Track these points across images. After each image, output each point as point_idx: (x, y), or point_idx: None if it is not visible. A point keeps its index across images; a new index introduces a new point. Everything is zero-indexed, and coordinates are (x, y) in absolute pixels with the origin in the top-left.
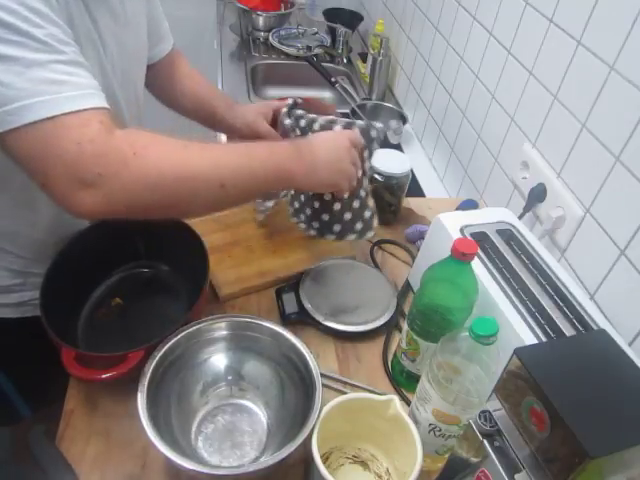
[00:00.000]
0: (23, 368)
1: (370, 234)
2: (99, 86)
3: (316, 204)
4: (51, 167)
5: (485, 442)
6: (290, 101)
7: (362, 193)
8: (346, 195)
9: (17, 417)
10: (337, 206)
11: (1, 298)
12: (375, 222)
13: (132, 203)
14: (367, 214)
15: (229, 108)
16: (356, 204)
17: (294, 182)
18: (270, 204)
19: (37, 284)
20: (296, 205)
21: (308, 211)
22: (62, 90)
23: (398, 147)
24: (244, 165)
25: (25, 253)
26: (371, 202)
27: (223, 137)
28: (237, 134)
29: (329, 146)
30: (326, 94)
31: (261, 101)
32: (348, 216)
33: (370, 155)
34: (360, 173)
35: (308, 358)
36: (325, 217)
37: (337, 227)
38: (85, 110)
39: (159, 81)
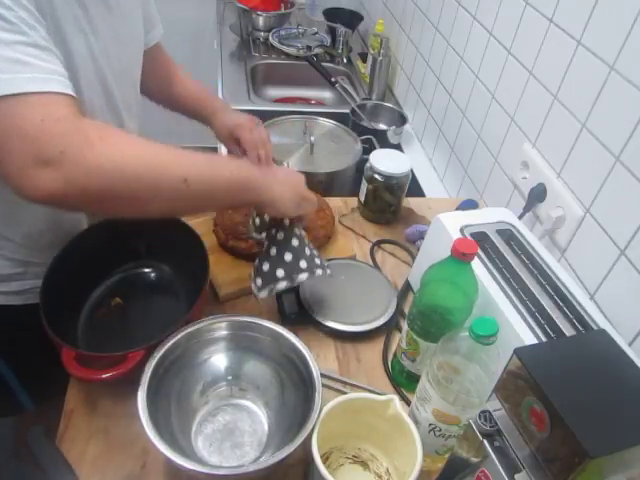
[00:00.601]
0: (25, 357)
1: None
2: (66, 74)
3: (287, 256)
4: (7, 142)
5: (485, 442)
6: None
7: (303, 246)
8: (296, 243)
9: (19, 408)
10: (295, 242)
11: (2, 286)
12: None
13: (90, 189)
14: (317, 260)
15: (221, 111)
16: (307, 251)
17: (256, 191)
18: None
19: (38, 273)
20: (265, 268)
21: (280, 273)
22: (25, 70)
23: (398, 147)
24: (209, 164)
25: (25, 242)
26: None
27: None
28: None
29: (285, 172)
30: (326, 94)
31: (259, 100)
32: (303, 264)
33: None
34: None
35: (308, 358)
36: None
37: (303, 264)
38: (50, 92)
39: (154, 71)
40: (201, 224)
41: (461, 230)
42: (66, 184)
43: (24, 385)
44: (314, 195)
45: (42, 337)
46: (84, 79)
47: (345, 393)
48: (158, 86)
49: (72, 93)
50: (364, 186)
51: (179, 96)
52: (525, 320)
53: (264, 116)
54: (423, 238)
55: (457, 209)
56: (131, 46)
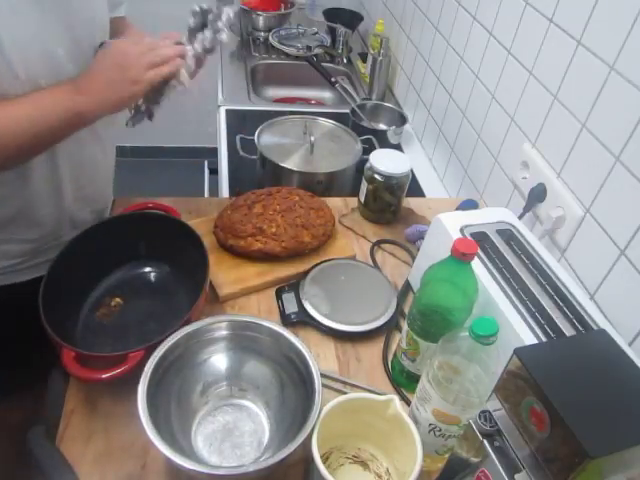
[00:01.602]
0: None
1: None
2: None
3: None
4: None
5: (485, 442)
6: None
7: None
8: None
9: None
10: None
11: None
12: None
13: None
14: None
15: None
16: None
17: (83, 121)
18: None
19: (7, 252)
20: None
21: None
22: None
23: (398, 147)
24: (27, 129)
25: None
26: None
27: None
28: None
29: (103, 70)
30: (326, 94)
31: (259, 100)
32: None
33: (216, 32)
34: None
35: (308, 358)
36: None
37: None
38: None
39: None
40: (201, 224)
41: (461, 230)
42: None
43: None
44: (141, 77)
45: (18, 320)
46: (20, 61)
47: (345, 393)
48: None
49: None
50: (364, 186)
51: None
52: (525, 320)
53: (264, 116)
54: (423, 238)
55: (457, 209)
56: (89, 16)
